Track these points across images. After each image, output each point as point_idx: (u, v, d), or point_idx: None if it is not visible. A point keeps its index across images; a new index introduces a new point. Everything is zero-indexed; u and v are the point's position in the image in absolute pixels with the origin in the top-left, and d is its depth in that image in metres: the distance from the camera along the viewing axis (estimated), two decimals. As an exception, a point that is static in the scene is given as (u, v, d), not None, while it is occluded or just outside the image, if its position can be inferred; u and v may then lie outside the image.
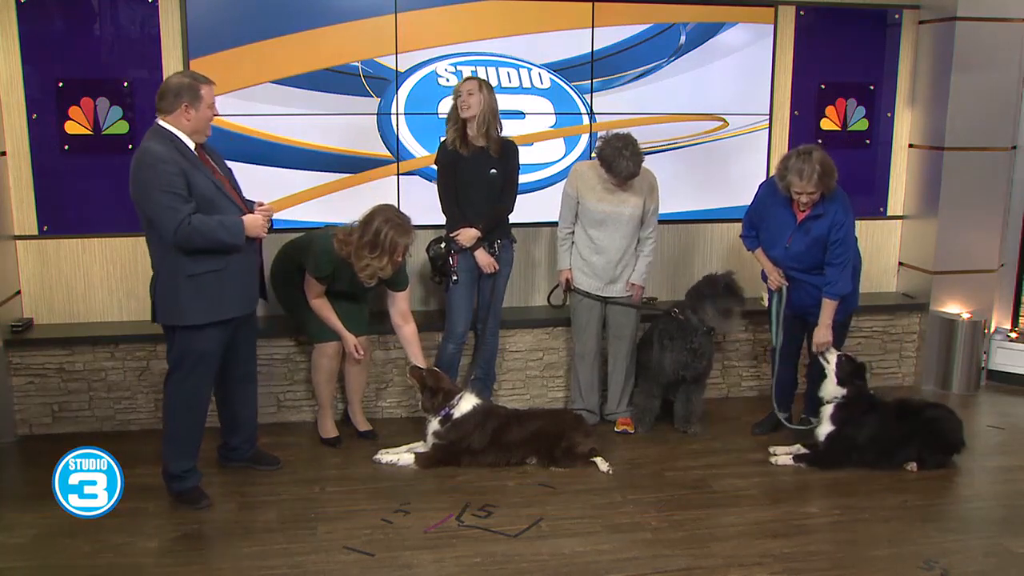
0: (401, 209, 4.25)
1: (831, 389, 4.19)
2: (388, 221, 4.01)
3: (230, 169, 3.80)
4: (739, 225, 4.55)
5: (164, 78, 4.49)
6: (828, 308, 4.19)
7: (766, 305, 4.61)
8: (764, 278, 4.48)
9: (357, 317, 4.36)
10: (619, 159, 4.23)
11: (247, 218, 3.55)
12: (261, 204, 3.70)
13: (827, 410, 4.20)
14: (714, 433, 4.62)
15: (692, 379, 4.57)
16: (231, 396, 3.94)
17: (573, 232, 4.57)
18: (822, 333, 4.22)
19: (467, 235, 4.40)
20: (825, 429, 4.19)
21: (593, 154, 4.40)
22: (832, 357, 4.21)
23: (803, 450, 4.25)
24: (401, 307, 4.33)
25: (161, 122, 3.51)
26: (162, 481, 3.77)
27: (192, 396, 3.65)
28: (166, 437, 3.70)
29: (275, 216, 3.84)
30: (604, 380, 4.77)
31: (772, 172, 4.47)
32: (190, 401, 3.65)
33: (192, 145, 3.52)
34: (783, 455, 4.26)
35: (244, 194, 3.76)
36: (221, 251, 3.48)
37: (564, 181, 4.60)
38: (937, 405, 4.35)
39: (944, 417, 4.22)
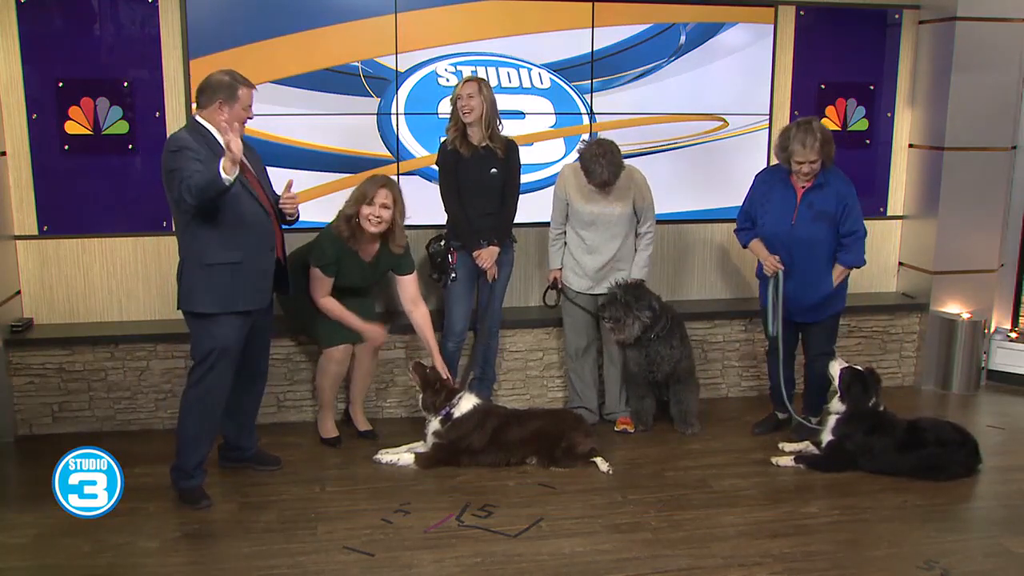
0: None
1: (834, 403, 4.18)
2: (364, 180, 4.14)
3: (264, 169, 3.83)
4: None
5: (164, 78, 4.54)
6: (838, 271, 4.25)
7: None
8: (759, 275, 4.46)
9: (364, 316, 4.35)
10: (595, 165, 4.25)
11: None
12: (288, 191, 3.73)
13: (831, 420, 4.18)
14: (714, 433, 4.62)
15: (671, 380, 4.57)
16: (241, 392, 3.92)
17: (564, 233, 4.59)
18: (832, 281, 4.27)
19: (489, 255, 4.41)
20: (826, 437, 4.18)
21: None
22: (836, 369, 4.19)
23: (812, 448, 4.23)
24: (410, 292, 4.33)
25: (197, 116, 3.58)
26: (163, 481, 3.78)
27: (212, 392, 3.66)
28: (182, 434, 3.70)
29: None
30: (602, 380, 4.78)
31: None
32: (209, 397, 3.66)
33: (223, 141, 3.52)
34: (788, 454, 4.25)
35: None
36: (215, 206, 3.43)
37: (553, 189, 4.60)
38: (953, 429, 4.20)
39: (956, 444, 4.11)
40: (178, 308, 3.68)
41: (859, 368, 4.22)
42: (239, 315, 3.61)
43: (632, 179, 4.44)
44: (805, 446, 4.29)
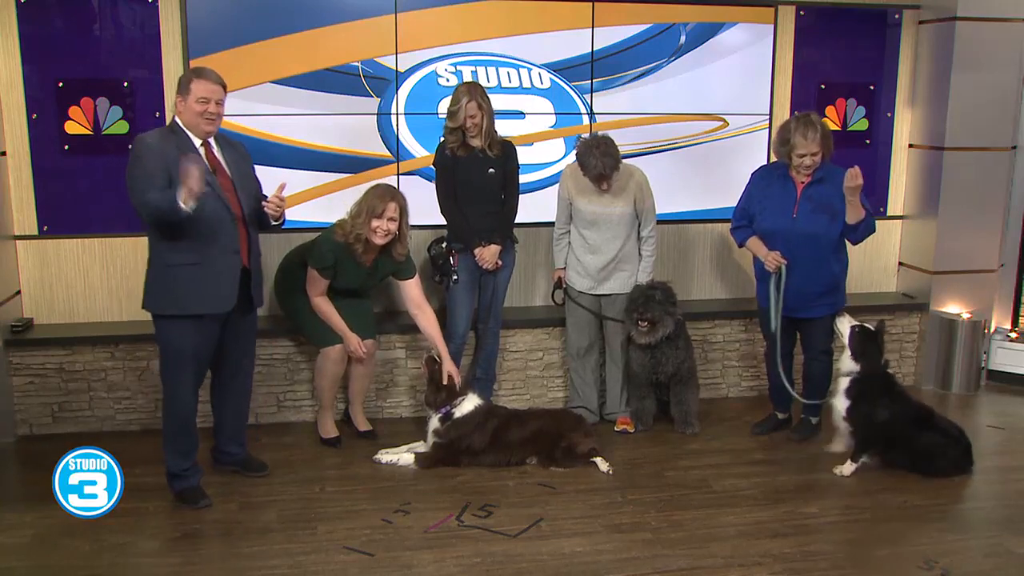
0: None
1: (846, 363, 4.14)
2: (372, 189, 4.13)
3: (250, 168, 3.77)
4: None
5: (164, 78, 4.55)
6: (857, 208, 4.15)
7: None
8: (757, 275, 4.45)
9: (363, 318, 4.36)
10: (589, 157, 4.26)
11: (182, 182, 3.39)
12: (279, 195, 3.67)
13: (842, 383, 4.14)
14: (714, 433, 4.62)
15: (673, 381, 4.56)
16: (219, 396, 3.93)
17: (567, 232, 4.60)
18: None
19: (491, 253, 4.41)
20: (842, 404, 4.13)
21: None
22: (846, 328, 4.15)
23: (848, 429, 4.15)
24: (414, 296, 4.32)
25: (176, 116, 3.58)
26: (163, 481, 3.77)
27: (174, 392, 3.64)
28: (163, 435, 3.72)
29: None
30: (603, 379, 4.78)
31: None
32: (173, 397, 3.65)
33: (196, 140, 3.53)
34: (847, 464, 4.14)
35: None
36: (174, 224, 3.38)
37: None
38: (948, 429, 4.15)
39: (943, 445, 4.08)
40: (142, 307, 3.66)
41: (869, 327, 4.16)
42: (196, 319, 3.55)
43: (632, 177, 4.45)
44: (848, 440, 4.18)
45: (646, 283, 4.49)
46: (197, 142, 3.54)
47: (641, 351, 4.51)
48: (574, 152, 4.41)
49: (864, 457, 4.12)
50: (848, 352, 4.15)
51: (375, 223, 4.04)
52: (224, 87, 3.59)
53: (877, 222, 5.40)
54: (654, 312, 4.39)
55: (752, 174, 4.45)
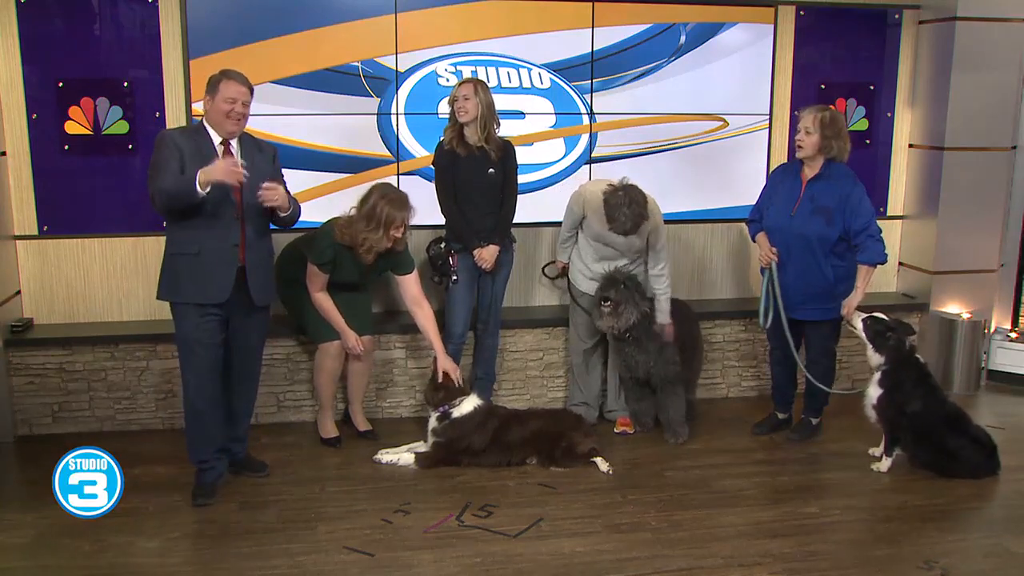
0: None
1: (872, 358, 4.14)
2: (384, 196, 4.06)
3: (273, 175, 3.73)
4: (739, 225, 4.55)
5: (164, 78, 4.55)
6: (863, 273, 4.17)
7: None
8: (762, 271, 4.45)
9: (360, 313, 4.36)
10: (618, 214, 4.18)
11: (209, 167, 3.45)
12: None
13: (875, 376, 4.14)
14: (714, 433, 4.62)
15: (656, 386, 4.51)
16: (228, 394, 3.91)
17: (573, 236, 4.58)
18: (854, 298, 4.17)
19: (490, 254, 4.40)
20: (874, 392, 4.13)
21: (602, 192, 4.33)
22: (858, 323, 4.14)
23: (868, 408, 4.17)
24: (412, 292, 4.31)
25: (204, 118, 3.67)
26: (163, 480, 3.82)
27: (184, 379, 3.71)
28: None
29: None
30: (605, 377, 4.78)
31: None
32: (188, 388, 3.70)
33: (217, 138, 3.58)
34: (883, 460, 4.17)
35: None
36: (189, 210, 3.47)
37: (571, 197, 4.51)
38: (977, 435, 4.16)
39: (969, 449, 4.09)
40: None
41: (880, 315, 4.16)
42: (195, 307, 3.60)
43: (651, 212, 4.34)
44: (883, 445, 4.19)
45: (614, 269, 4.40)
46: (217, 140, 3.59)
47: (617, 354, 4.50)
48: (601, 191, 4.26)
49: (897, 449, 4.14)
50: (870, 346, 4.13)
51: (393, 232, 4.04)
52: (251, 89, 3.65)
53: (878, 222, 5.44)
54: (616, 295, 4.31)
55: (773, 170, 4.46)
